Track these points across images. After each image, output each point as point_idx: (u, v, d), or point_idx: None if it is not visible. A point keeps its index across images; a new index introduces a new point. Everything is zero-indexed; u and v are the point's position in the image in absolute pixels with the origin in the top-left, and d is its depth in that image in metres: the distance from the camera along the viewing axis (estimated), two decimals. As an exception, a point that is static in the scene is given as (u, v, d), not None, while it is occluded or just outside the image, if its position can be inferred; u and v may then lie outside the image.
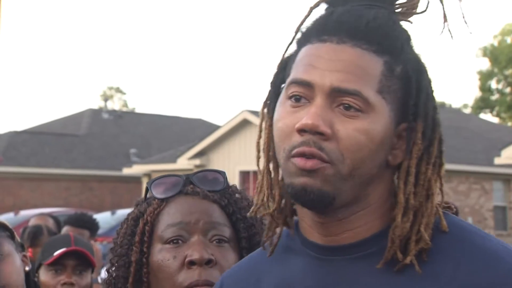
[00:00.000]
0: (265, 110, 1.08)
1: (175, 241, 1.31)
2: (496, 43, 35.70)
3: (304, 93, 0.99)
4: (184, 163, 19.26)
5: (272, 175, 1.06)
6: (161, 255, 1.31)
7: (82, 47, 73.92)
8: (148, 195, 1.42)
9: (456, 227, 1.02)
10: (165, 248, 1.32)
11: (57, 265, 2.56)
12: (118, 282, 1.36)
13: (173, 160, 19.88)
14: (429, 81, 1.04)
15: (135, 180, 23.09)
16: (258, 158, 1.07)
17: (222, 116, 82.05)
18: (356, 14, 1.02)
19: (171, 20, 76.17)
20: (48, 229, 4.09)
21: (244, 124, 18.47)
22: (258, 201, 1.07)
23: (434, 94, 1.04)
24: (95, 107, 33.85)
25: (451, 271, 0.97)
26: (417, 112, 1.01)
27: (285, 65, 1.06)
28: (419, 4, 1.08)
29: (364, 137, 0.97)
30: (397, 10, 1.07)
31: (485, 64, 41.58)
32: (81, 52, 74.08)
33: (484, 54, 35.73)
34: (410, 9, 1.07)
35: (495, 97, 36.28)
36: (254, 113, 18.45)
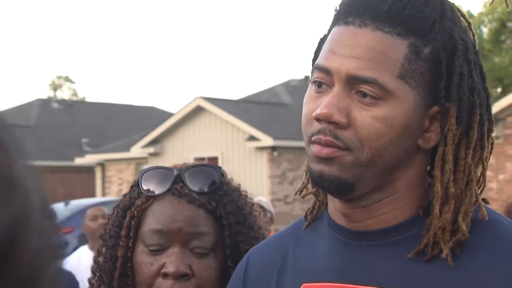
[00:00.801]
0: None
1: (154, 248, 1.29)
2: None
3: (325, 79, 0.98)
4: (138, 151, 19.09)
5: None
6: (141, 257, 1.30)
7: (28, 36, 72.25)
8: (138, 186, 1.37)
9: (490, 219, 0.98)
10: (145, 251, 1.30)
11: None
12: (104, 274, 1.34)
13: (127, 149, 19.68)
14: (466, 61, 0.98)
15: (88, 170, 22.78)
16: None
17: (175, 104, 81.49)
18: None
19: (119, 6, 75.05)
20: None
21: (197, 110, 18.39)
22: (304, 180, 1.08)
23: (475, 73, 0.99)
24: (44, 97, 33.19)
25: (482, 265, 0.94)
26: (449, 95, 0.97)
27: (321, 45, 1.04)
28: None
29: (382, 125, 0.95)
30: None
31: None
32: (28, 41, 72.42)
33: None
34: None
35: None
36: (208, 99, 18.39)
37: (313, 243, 1.06)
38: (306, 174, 1.07)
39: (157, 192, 1.32)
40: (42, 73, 74.83)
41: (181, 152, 18.34)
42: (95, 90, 71.08)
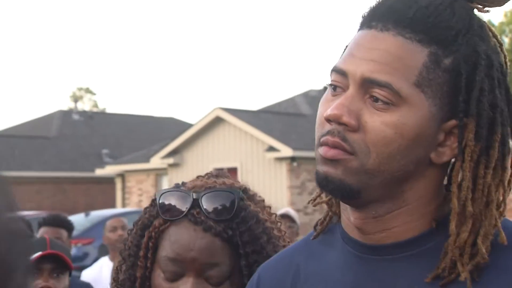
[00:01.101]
0: None
1: (168, 275, 1.29)
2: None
3: (341, 82, 0.97)
4: (158, 162, 19.15)
5: None
6: (158, 281, 1.30)
7: (50, 48, 73.10)
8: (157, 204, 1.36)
9: (509, 232, 0.95)
10: (162, 276, 1.30)
11: (34, 269, 2.50)
12: None
13: (146, 159, 19.76)
14: (489, 77, 0.95)
15: (108, 180, 22.88)
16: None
17: (194, 114, 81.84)
18: (410, 1, 0.96)
19: (140, 19, 75.69)
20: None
21: (216, 121, 18.43)
22: (318, 189, 1.06)
23: (498, 91, 0.96)
24: (65, 108, 33.48)
25: (502, 286, 0.92)
26: (467, 109, 0.94)
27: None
28: None
29: (392, 131, 0.93)
30: None
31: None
32: (49, 53, 73.27)
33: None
34: None
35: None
36: (227, 110, 18.43)
37: (325, 257, 1.04)
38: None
39: (173, 217, 1.31)
40: (64, 84, 75.72)
41: (200, 163, 18.37)
42: (116, 102, 71.66)
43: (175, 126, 28.31)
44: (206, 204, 1.31)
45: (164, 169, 19.38)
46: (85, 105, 44.54)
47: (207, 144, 18.61)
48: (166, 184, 19.07)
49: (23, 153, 24.32)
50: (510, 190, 0.99)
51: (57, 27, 74.48)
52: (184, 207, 1.31)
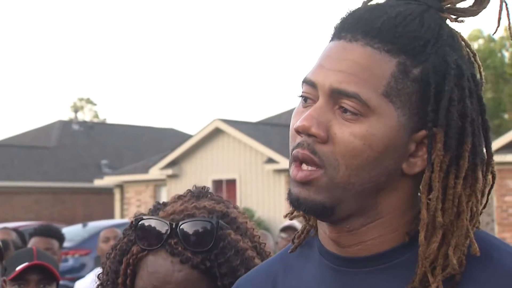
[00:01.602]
0: None
1: None
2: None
3: (311, 93, 0.96)
4: (156, 173, 19.14)
5: None
6: None
7: (51, 58, 73.34)
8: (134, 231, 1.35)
9: (484, 243, 0.95)
10: None
11: (20, 280, 2.49)
12: None
13: (145, 170, 19.74)
14: (458, 86, 0.94)
15: (107, 191, 22.88)
16: None
17: (193, 125, 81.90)
18: (380, 10, 0.96)
19: (140, 30, 75.98)
20: (14, 243, 4.02)
21: (216, 132, 18.43)
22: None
23: (469, 101, 0.95)
24: (65, 118, 33.52)
25: None
26: (436, 119, 0.93)
27: None
28: None
29: (360, 143, 0.92)
30: (446, 6, 0.99)
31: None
32: (50, 63, 73.51)
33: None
34: (458, 3, 0.99)
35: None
36: (226, 121, 18.44)
37: (303, 270, 1.03)
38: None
39: (151, 246, 1.30)
40: (64, 95, 75.86)
41: (199, 174, 18.35)
42: (116, 112, 71.75)
43: (174, 137, 28.32)
44: (184, 234, 1.29)
45: (163, 180, 19.36)
46: (85, 116, 44.61)
47: (206, 155, 18.60)
48: (165, 195, 19.05)
49: (22, 163, 24.32)
50: (483, 201, 0.98)
51: (59, 37, 74.80)
52: (161, 236, 1.30)
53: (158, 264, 1.29)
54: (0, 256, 1.84)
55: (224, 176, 18.18)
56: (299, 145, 0.94)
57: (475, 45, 36.06)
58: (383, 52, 0.94)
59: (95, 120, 42.35)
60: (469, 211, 0.95)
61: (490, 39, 35.19)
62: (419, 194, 0.98)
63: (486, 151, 0.98)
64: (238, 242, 1.32)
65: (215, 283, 1.28)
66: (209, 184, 19.09)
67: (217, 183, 18.39)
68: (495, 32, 1.01)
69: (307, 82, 0.97)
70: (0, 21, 71.04)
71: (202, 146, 18.65)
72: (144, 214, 1.35)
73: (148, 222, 1.32)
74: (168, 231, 1.29)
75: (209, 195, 1.40)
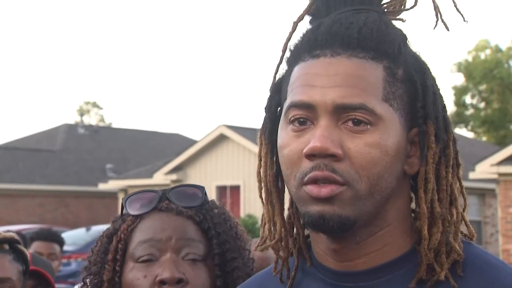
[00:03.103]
0: (262, 137, 1.02)
1: (145, 258, 1.28)
2: (470, 59, 36.18)
3: (306, 115, 0.94)
4: (161, 178, 19.14)
5: (274, 205, 1.01)
6: (132, 274, 1.28)
7: (58, 61, 73.57)
8: (123, 212, 1.38)
9: (481, 261, 0.95)
10: (136, 266, 1.28)
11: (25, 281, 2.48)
12: None
13: (150, 175, 19.75)
14: (433, 79, 0.98)
15: (111, 195, 22.88)
16: (260, 189, 1.02)
17: (199, 131, 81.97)
18: (346, 22, 0.96)
19: (147, 35, 76.18)
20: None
21: (221, 139, 18.43)
22: (263, 233, 1.03)
23: (441, 92, 0.99)
24: (71, 122, 33.59)
25: None
26: (426, 114, 0.95)
27: (279, 87, 1.00)
28: (407, 0, 1.02)
29: (377, 151, 0.92)
30: (386, 10, 1.01)
31: (460, 79, 42.09)
32: (57, 67, 73.72)
33: (459, 70, 36.18)
34: (398, 7, 1.02)
35: (469, 112, 36.70)
36: (231, 127, 18.44)
37: (297, 283, 1.02)
38: (263, 226, 1.02)
39: (144, 211, 1.33)
40: (71, 98, 76.06)
41: (203, 180, 18.34)
42: (122, 116, 71.93)
43: (179, 142, 28.33)
44: (174, 197, 1.35)
45: (167, 185, 19.34)
46: (91, 119, 44.69)
47: (211, 161, 18.60)
48: (168, 200, 19.02)
49: (27, 166, 24.36)
50: (462, 183, 1.00)
51: (67, 41, 75.03)
52: (153, 202, 1.34)
53: (153, 220, 1.32)
54: (25, 271, 1.84)
55: (229, 182, 18.16)
56: (314, 168, 0.92)
57: (481, 56, 36.07)
58: (369, 60, 0.94)
59: (101, 124, 42.42)
60: (459, 197, 0.98)
61: (497, 50, 35.13)
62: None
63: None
64: (221, 205, 1.41)
65: (208, 234, 1.33)
66: (213, 190, 19.19)
67: (221, 189, 18.38)
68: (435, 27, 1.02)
69: (300, 105, 0.94)
70: (6, 24, 71.39)
71: (207, 152, 18.65)
72: (133, 192, 1.39)
73: (136, 195, 1.36)
74: (159, 195, 1.34)
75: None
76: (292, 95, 0.96)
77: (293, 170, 0.94)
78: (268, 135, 1.01)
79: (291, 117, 0.95)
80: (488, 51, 35.74)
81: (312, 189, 0.92)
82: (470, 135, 35.17)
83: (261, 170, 1.01)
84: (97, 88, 72.08)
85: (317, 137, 0.92)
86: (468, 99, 36.76)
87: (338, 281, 0.97)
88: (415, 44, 1.01)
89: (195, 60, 76.41)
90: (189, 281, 1.26)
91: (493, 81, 34.54)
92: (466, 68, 35.79)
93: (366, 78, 0.93)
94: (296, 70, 0.97)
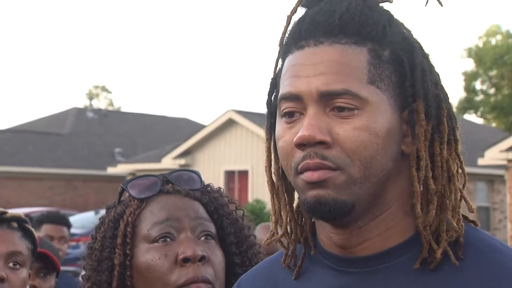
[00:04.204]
0: (266, 131, 1.05)
1: (163, 239, 1.28)
2: (480, 44, 35.94)
3: (296, 107, 0.96)
4: (169, 162, 19.19)
5: (280, 199, 1.03)
6: (150, 254, 1.27)
7: (67, 45, 73.59)
8: (122, 197, 1.38)
9: (487, 245, 0.95)
10: (153, 247, 1.28)
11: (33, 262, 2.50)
12: (100, 287, 1.31)
13: (158, 159, 19.80)
14: (424, 56, 0.99)
15: (120, 179, 22.92)
16: (268, 182, 1.04)
17: (207, 116, 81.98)
18: (328, 10, 0.98)
19: (157, 19, 76.04)
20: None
21: (229, 123, 18.43)
22: (272, 227, 1.04)
23: (434, 68, 0.99)
24: (80, 106, 33.68)
25: None
26: (414, 92, 0.96)
27: (275, 82, 1.03)
28: None
29: (366, 134, 0.93)
30: None
31: (470, 65, 41.80)
32: (66, 51, 73.77)
33: (469, 55, 35.95)
34: None
35: (479, 98, 36.51)
36: (240, 112, 18.43)
37: (304, 270, 1.03)
38: (272, 219, 1.03)
39: (149, 194, 1.33)
40: (80, 82, 76.18)
41: (211, 164, 18.38)
42: (131, 100, 71.96)
43: (188, 127, 28.38)
44: (176, 180, 1.36)
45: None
46: (100, 103, 44.80)
47: (219, 146, 18.62)
48: (177, 184, 19.07)
49: (36, 149, 24.48)
50: (462, 159, 1.00)
51: (77, 24, 75.03)
52: (157, 185, 1.35)
53: (162, 202, 1.32)
54: (33, 250, 1.86)
55: (237, 167, 18.19)
56: (305, 157, 0.93)
57: (492, 41, 35.80)
58: (352, 45, 0.96)
59: (110, 108, 42.51)
60: (458, 173, 0.98)
61: (508, 35, 34.86)
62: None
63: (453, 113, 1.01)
64: (219, 189, 1.44)
65: (213, 215, 1.35)
66: (221, 175, 19.23)
67: (230, 174, 18.41)
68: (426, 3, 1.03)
69: (288, 97, 0.96)
70: (15, 8, 71.37)
71: (215, 136, 18.67)
72: (132, 178, 1.39)
73: (137, 180, 1.37)
74: (161, 180, 1.35)
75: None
76: (282, 88, 0.98)
77: (288, 161, 0.96)
78: (270, 129, 1.03)
79: (283, 110, 0.97)
80: (499, 37, 35.47)
81: (306, 175, 0.94)
82: (479, 121, 35.03)
83: (266, 164, 1.04)
84: (106, 72, 72.14)
85: (304, 126, 0.94)
86: (478, 85, 36.57)
87: (343, 267, 0.98)
88: (408, 23, 1.02)
89: (205, 44, 76.27)
90: (209, 258, 1.27)
91: (504, 67, 34.31)
92: (477, 54, 35.56)
93: (349, 63, 0.95)
94: (286, 63, 0.99)
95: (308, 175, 0.93)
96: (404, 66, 0.96)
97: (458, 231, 0.94)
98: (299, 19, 1.00)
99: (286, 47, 1.00)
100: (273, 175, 1.03)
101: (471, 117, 36.02)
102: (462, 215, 0.99)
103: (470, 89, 36.36)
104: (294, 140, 0.94)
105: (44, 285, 2.50)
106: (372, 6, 0.99)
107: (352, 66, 0.94)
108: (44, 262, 2.49)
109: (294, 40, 0.98)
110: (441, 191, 0.96)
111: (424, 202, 0.96)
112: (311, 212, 0.95)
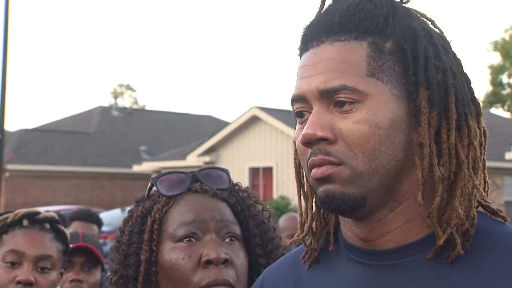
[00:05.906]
0: (294, 133, 1.07)
1: (188, 238, 1.29)
2: (507, 37, 35.47)
3: (304, 107, 0.99)
4: (194, 160, 19.28)
5: (308, 199, 1.05)
6: (174, 254, 1.29)
7: (92, 45, 74.19)
8: (151, 192, 1.39)
9: (503, 235, 0.95)
10: (178, 246, 1.29)
11: (65, 262, 2.54)
12: (127, 282, 1.32)
13: (183, 157, 19.90)
14: (431, 44, 0.98)
15: (145, 177, 23.12)
16: (297, 183, 1.07)
17: (231, 113, 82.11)
18: (331, 9, 1.00)
19: (181, 17, 76.31)
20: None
21: (253, 120, 18.45)
22: (300, 228, 1.06)
23: (444, 56, 0.98)
24: (105, 104, 33.94)
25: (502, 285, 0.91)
26: (416, 80, 0.96)
27: None
28: None
29: (366, 126, 0.94)
30: None
31: (496, 58, 41.26)
32: (91, 50, 74.38)
33: (495, 48, 35.52)
34: None
35: (506, 91, 36.04)
36: (263, 109, 18.43)
37: (328, 263, 1.04)
38: (299, 218, 1.05)
39: (178, 192, 1.34)
40: (104, 81, 76.78)
41: (236, 161, 18.41)
42: (155, 99, 72.34)
43: (212, 124, 28.45)
44: (205, 179, 1.37)
45: (200, 167, 19.45)
46: (125, 102, 45.08)
47: (243, 142, 18.64)
48: (202, 181, 19.14)
49: (63, 148, 24.75)
50: (482, 150, 0.99)
51: (102, 24, 75.62)
52: (185, 183, 1.35)
53: (190, 201, 1.33)
54: (65, 250, 1.88)
55: (261, 164, 18.20)
56: (312, 154, 0.96)
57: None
58: (351, 41, 0.97)
59: (135, 106, 42.76)
60: (471, 161, 0.96)
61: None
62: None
63: (473, 102, 0.99)
64: (247, 188, 1.42)
65: (239, 216, 1.35)
66: (246, 172, 19.25)
67: (254, 171, 18.43)
68: None
69: (296, 99, 0.99)
70: (41, 8, 72.13)
71: (239, 133, 18.70)
72: (162, 174, 1.39)
73: (166, 176, 1.37)
74: (190, 178, 1.36)
75: None
76: (292, 90, 1.01)
77: (303, 160, 0.99)
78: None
79: (295, 111, 1.01)
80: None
81: (313, 171, 0.96)
82: (506, 115, 34.57)
83: (295, 165, 1.06)
84: (130, 71, 72.60)
85: (306, 124, 0.96)
86: (504, 78, 36.10)
87: (367, 260, 0.98)
88: (431, 14, 1.01)
89: (229, 41, 76.35)
90: (232, 261, 1.28)
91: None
92: (503, 47, 35.10)
93: (347, 59, 0.96)
94: (297, 66, 1.02)
95: (314, 172, 0.96)
96: (407, 56, 0.97)
97: (461, 218, 0.93)
98: (308, 24, 1.03)
99: (299, 50, 1.03)
100: (300, 177, 1.05)
101: (498, 111, 35.56)
102: (491, 209, 0.98)
103: (496, 83, 35.90)
104: (299, 139, 0.97)
105: (90, 279, 2.52)
106: (376, 1, 0.99)
107: (350, 61, 0.96)
108: (88, 257, 2.53)
109: (303, 42, 1.02)
110: (450, 178, 0.95)
111: (426, 191, 0.95)
112: (323, 206, 0.97)
